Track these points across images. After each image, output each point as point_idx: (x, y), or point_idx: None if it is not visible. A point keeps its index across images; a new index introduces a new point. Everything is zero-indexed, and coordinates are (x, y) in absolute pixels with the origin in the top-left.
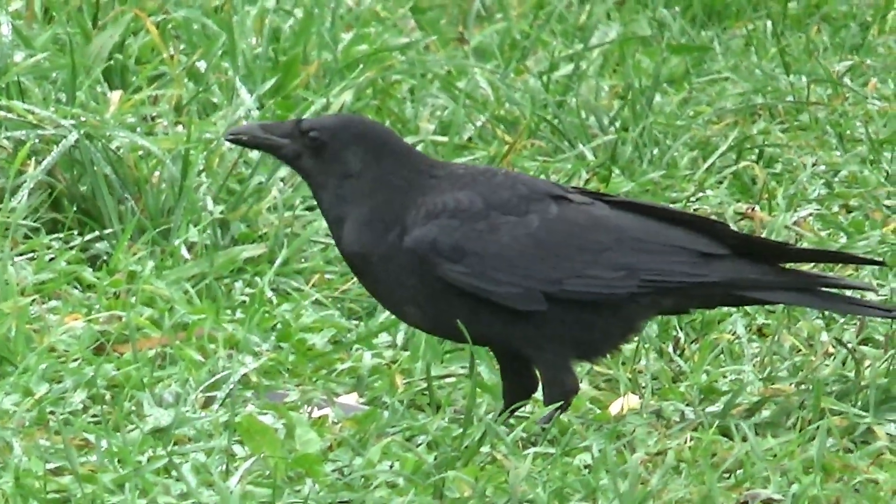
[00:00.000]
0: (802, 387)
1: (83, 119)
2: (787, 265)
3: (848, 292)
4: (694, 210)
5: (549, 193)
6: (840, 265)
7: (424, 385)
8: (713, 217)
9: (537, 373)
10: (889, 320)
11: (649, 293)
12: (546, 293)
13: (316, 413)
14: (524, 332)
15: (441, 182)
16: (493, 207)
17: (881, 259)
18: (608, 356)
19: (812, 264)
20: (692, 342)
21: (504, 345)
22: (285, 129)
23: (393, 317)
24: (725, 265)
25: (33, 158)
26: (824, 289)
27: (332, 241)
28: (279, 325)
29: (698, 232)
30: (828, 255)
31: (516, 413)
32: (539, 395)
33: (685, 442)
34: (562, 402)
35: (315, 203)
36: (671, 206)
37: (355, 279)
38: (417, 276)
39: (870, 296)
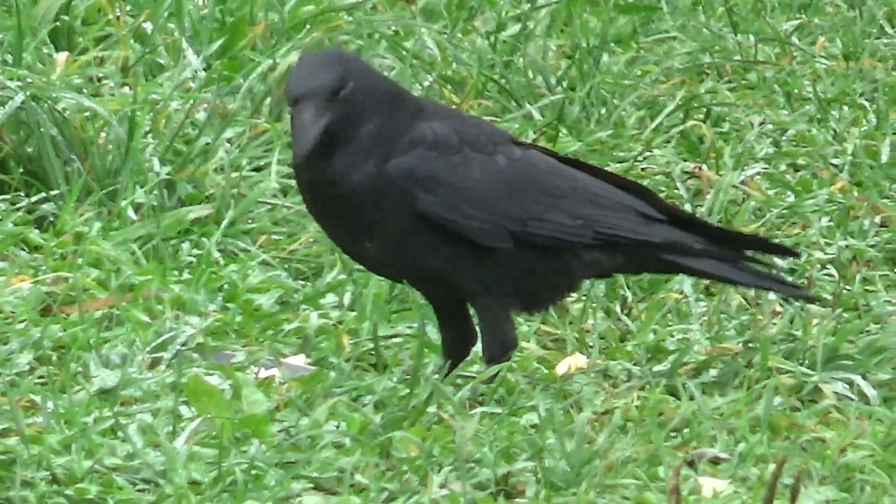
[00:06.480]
0: (749, 346)
1: (29, 80)
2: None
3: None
4: (641, 170)
5: (509, 138)
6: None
7: (371, 345)
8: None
9: (477, 325)
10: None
11: (597, 248)
12: (511, 232)
13: (262, 374)
14: (479, 271)
15: (422, 114)
16: (465, 142)
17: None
18: (547, 311)
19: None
20: (639, 301)
21: (453, 285)
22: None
23: (340, 277)
24: (665, 229)
25: None
26: (750, 263)
27: (279, 202)
28: (226, 286)
29: (637, 196)
30: (747, 241)
31: (463, 372)
32: (478, 347)
33: (632, 401)
34: (503, 360)
35: (262, 164)
36: (610, 170)
37: (302, 239)
38: (387, 205)
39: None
